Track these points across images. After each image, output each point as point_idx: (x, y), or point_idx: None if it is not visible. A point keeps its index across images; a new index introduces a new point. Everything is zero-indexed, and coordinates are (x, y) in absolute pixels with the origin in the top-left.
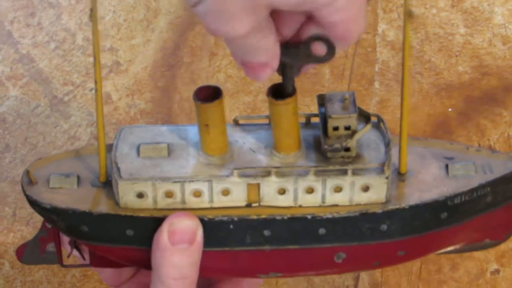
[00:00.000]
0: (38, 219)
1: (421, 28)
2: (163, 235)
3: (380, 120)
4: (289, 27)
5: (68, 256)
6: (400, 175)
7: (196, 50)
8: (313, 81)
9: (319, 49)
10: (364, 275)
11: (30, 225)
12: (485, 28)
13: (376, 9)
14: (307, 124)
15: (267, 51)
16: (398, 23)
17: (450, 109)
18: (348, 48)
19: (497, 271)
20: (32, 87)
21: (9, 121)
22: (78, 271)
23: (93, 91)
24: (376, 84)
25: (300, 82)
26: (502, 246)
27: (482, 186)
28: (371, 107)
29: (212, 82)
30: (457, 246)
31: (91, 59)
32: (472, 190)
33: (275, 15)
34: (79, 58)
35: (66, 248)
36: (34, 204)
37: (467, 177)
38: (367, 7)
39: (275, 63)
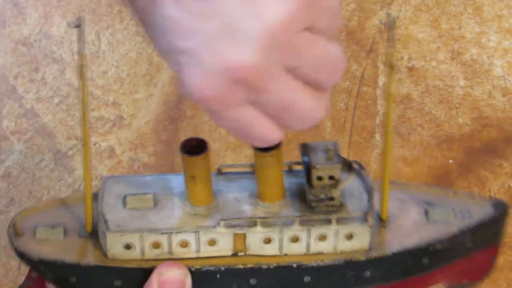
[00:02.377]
0: None
1: (422, 80)
2: (153, 285)
3: (361, 167)
4: None
5: None
6: (381, 221)
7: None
8: (313, 134)
9: None
10: None
11: None
12: (484, 80)
13: (376, 63)
14: (290, 171)
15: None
16: (398, 75)
17: (450, 161)
18: (348, 101)
19: None
20: (36, 141)
21: (14, 175)
22: None
23: (97, 145)
24: (377, 136)
25: (302, 135)
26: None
27: (462, 232)
28: (372, 159)
29: (215, 136)
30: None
31: (95, 113)
32: (452, 237)
33: None
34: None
35: None
36: (22, 256)
37: (446, 221)
38: (367, 60)
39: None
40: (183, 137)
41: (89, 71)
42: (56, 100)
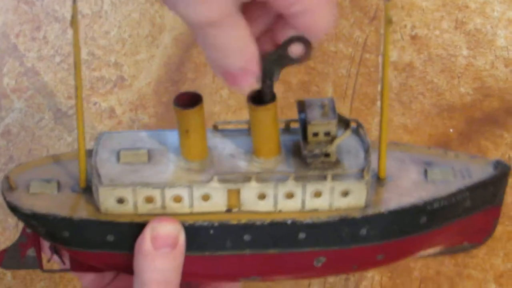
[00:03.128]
0: None
1: (424, 49)
2: (145, 240)
3: (359, 125)
4: (256, 27)
5: (48, 261)
6: (379, 180)
7: (200, 66)
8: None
9: (296, 50)
10: None
11: None
12: (487, 50)
13: (380, 30)
14: (287, 129)
15: (242, 51)
16: (401, 43)
17: (451, 130)
18: (351, 68)
19: None
20: (36, 100)
21: (14, 133)
22: (79, 282)
23: (97, 105)
24: (379, 104)
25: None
26: (501, 267)
27: (460, 191)
28: (373, 126)
29: (216, 98)
30: (436, 249)
31: (96, 73)
32: (451, 195)
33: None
34: (83, 72)
35: (46, 253)
36: (15, 209)
37: (445, 181)
38: (371, 27)
39: (255, 68)
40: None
41: (91, 31)
42: (58, 59)
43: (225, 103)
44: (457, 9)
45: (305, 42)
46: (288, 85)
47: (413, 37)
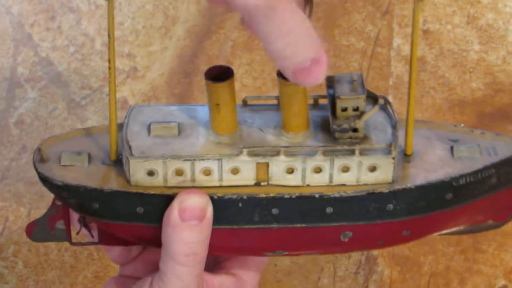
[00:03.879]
0: None
1: (436, 44)
2: (173, 211)
3: (387, 102)
4: None
5: (77, 234)
6: (406, 156)
7: (213, 58)
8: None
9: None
10: (373, 287)
11: None
12: (499, 46)
13: (392, 24)
14: (315, 105)
15: (311, 37)
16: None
17: (462, 125)
18: (362, 62)
19: (505, 287)
20: (50, 90)
21: (27, 122)
22: (90, 272)
23: None
24: (390, 98)
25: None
26: (511, 262)
27: (486, 168)
28: None
29: None
30: (460, 227)
31: None
32: (476, 172)
33: None
34: (97, 63)
35: (75, 226)
36: (45, 180)
37: (472, 159)
38: (383, 21)
39: (324, 55)
40: (196, 91)
41: (105, 21)
42: (72, 49)
43: (237, 95)
44: (469, 4)
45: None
46: None
47: (425, 32)
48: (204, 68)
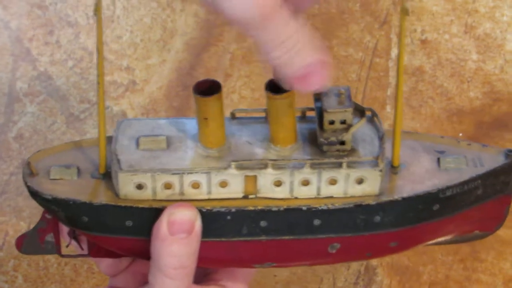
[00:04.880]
0: None
1: (434, 53)
2: (162, 225)
3: (374, 114)
4: None
5: (67, 246)
6: (393, 168)
7: (211, 70)
8: None
9: None
10: None
11: None
12: (497, 55)
13: (390, 34)
14: (303, 117)
15: (310, 42)
16: (411, 47)
17: (460, 134)
18: (361, 72)
19: None
20: (49, 104)
21: (26, 136)
22: (90, 285)
23: (109, 109)
24: (388, 108)
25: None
26: (510, 271)
27: (473, 179)
28: None
29: (226, 103)
30: (447, 238)
31: (108, 78)
32: (463, 183)
33: None
34: (95, 77)
35: (65, 238)
36: (35, 194)
37: (458, 170)
38: (381, 32)
39: (325, 61)
40: (194, 104)
41: (103, 35)
42: (70, 63)
43: (236, 107)
44: (467, 14)
45: None
46: None
47: (423, 42)
48: None
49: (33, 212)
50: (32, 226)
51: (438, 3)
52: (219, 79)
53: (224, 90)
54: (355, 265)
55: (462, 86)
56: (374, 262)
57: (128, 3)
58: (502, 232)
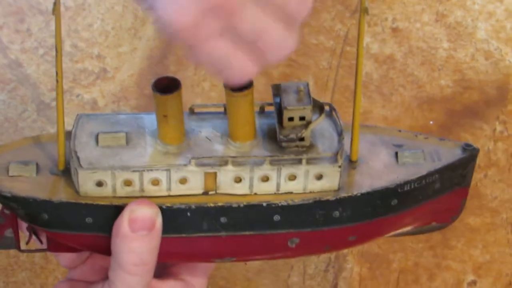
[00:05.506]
0: None
1: (405, 41)
2: (123, 222)
3: (332, 109)
4: None
5: (27, 243)
6: (351, 163)
7: (183, 59)
8: None
9: None
10: (342, 284)
11: None
12: (468, 43)
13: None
14: (262, 113)
15: (238, 60)
16: (382, 36)
17: (431, 122)
18: (332, 60)
19: (474, 282)
20: (19, 92)
21: None
22: (60, 273)
23: (80, 97)
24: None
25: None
26: (480, 258)
27: (430, 174)
28: None
29: (197, 91)
30: (405, 230)
31: (79, 66)
32: (421, 178)
33: None
34: (66, 65)
35: (24, 233)
36: None
37: (416, 164)
38: (352, 21)
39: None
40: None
41: (74, 23)
42: (41, 51)
43: (207, 95)
44: (438, 2)
45: None
46: (269, 77)
47: (394, 30)
48: (174, 68)
49: None
50: None
51: None
52: (190, 67)
53: (195, 78)
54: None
55: (433, 74)
56: (344, 250)
57: None
58: (471, 220)
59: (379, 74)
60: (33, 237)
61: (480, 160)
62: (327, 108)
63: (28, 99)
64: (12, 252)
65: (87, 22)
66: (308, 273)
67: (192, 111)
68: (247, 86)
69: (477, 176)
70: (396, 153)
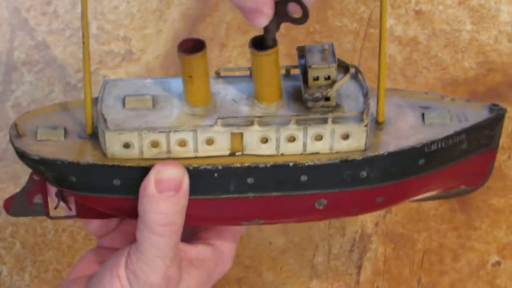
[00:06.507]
0: None
1: (428, 24)
2: (150, 183)
3: (358, 71)
4: None
5: (55, 208)
6: (378, 124)
7: (207, 40)
8: None
9: (293, 9)
10: (367, 264)
11: None
12: (491, 25)
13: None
14: (287, 75)
15: None
16: (405, 18)
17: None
18: (355, 43)
19: (498, 263)
20: (46, 73)
21: (24, 105)
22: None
23: (106, 78)
24: None
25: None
26: (504, 239)
27: (457, 134)
28: None
29: None
30: (433, 193)
31: (105, 47)
32: (448, 137)
33: None
34: (92, 46)
35: (53, 200)
36: (23, 155)
37: (442, 125)
38: (376, 3)
39: (268, 10)
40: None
41: (100, 5)
42: (68, 33)
43: None
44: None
45: (301, 5)
46: (293, 58)
47: (418, 12)
48: None
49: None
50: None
51: None
52: (215, 49)
53: (220, 59)
54: (350, 233)
55: (457, 57)
56: (369, 229)
57: None
58: (495, 201)
59: (403, 56)
60: (62, 204)
61: (503, 141)
62: (352, 70)
63: (54, 80)
64: (40, 230)
65: (113, 4)
66: (333, 252)
67: (218, 75)
68: (272, 45)
69: (500, 157)
70: (423, 114)
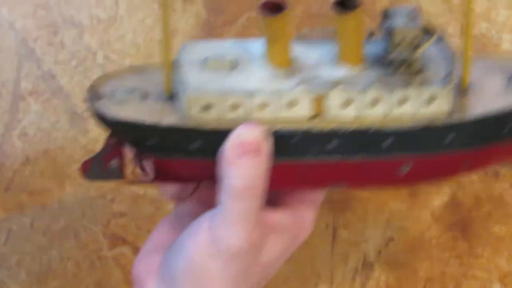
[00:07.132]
0: (55, 229)
1: None
2: (231, 145)
3: (444, 34)
4: None
5: (132, 172)
6: (463, 88)
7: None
8: None
9: None
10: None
11: (47, 235)
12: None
13: None
14: (370, 38)
15: None
16: None
17: None
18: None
19: None
20: (53, 103)
21: (30, 135)
22: (92, 280)
23: None
24: None
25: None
26: (505, 267)
27: None
28: None
29: None
30: None
31: None
32: None
33: None
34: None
35: (129, 164)
36: (101, 117)
37: None
38: None
39: None
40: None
41: (106, 35)
42: (74, 63)
43: None
44: (462, 15)
45: None
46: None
47: None
48: None
49: (36, 209)
50: (34, 222)
51: (435, 4)
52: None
53: None
54: (352, 261)
55: None
56: (371, 258)
57: (131, 4)
58: (497, 228)
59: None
60: (139, 168)
61: (505, 170)
62: (438, 33)
63: (61, 109)
64: (45, 259)
65: (120, 34)
66: (336, 281)
67: (300, 37)
68: (356, 6)
69: (502, 185)
70: (510, 78)
